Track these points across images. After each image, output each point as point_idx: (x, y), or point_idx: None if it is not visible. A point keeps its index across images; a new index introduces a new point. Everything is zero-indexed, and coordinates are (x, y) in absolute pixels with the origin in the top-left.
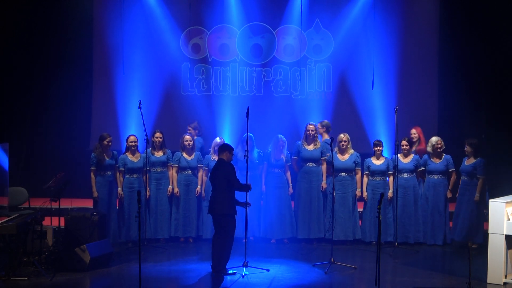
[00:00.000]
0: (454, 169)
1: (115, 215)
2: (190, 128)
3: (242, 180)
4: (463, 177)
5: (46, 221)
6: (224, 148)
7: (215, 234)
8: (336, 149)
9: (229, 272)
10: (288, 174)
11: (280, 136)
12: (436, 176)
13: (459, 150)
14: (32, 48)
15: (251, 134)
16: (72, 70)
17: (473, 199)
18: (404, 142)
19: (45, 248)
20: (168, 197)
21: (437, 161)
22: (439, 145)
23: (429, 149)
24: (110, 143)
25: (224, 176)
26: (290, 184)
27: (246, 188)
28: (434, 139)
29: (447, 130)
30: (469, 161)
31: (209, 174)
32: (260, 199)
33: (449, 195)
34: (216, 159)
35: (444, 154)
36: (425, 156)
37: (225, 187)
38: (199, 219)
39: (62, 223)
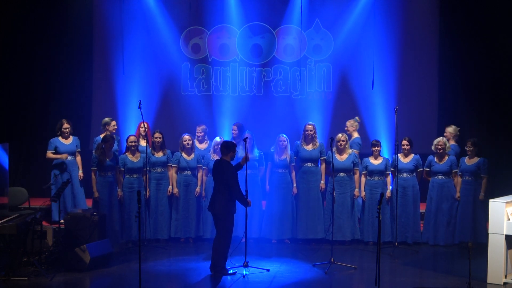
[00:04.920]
0: (457, 170)
1: (116, 215)
2: (198, 129)
3: (242, 180)
4: (466, 177)
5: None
6: (228, 148)
7: (216, 234)
8: (334, 149)
9: (229, 272)
10: (293, 174)
11: (282, 135)
12: (440, 177)
13: (459, 150)
14: (32, 48)
15: (249, 131)
16: (72, 70)
17: (478, 199)
18: (404, 142)
19: (45, 248)
20: (168, 197)
21: (440, 162)
22: (440, 146)
23: (433, 148)
24: (112, 145)
25: (226, 180)
26: (294, 185)
27: (245, 202)
28: (437, 139)
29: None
30: (471, 161)
31: (209, 173)
32: (261, 198)
33: (458, 195)
34: (216, 158)
35: (448, 155)
36: (430, 157)
37: (225, 189)
38: (199, 219)
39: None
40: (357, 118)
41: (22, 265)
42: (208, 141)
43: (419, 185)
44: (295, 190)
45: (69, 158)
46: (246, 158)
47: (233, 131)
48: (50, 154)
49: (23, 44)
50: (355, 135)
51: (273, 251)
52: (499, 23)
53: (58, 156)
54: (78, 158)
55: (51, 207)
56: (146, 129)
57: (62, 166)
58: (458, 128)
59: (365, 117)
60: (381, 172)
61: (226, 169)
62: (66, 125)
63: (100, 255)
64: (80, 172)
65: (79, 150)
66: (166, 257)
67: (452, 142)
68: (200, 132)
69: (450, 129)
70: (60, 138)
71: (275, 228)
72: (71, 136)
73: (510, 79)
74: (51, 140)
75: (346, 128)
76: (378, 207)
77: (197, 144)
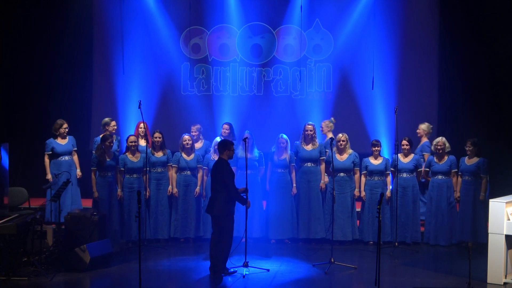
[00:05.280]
0: (457, 170)
1: (116, 215)
2: (193, 129)
3: (242, 180)
4: (466, 177)
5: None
6: (224, 146)
7: (213, 234)
8: (334, 149)
9: (230, 271)
10: (293, 174)
11: (282, 135)
12: (440, 177)
13: (459, 150)
14: (32, 48)
15: (249, 131)
16: (72, 70)
17: (478, 199)
18: (404, 142)
19: (45, 248)
20: (168, 197)
21: (440, 162)
22: (439, 146)
23: (432, 148)
24: (112, 144)
25: (222, 179)
26: (294, 185)
27: (243, 201)
28: (436, 139)
29: (447, 130)
30: (471, 161)
31: (209, 173)
32: (262, 198)
33: (457, 195)
34: (216, 158)
35: (448, 155)
36: (430, 157)
37: (222, 188)
38: (199, 219)
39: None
40: (332, 119)
41: (22, 265)
42: (203, 140)
43: (419, 185)
44: (294, 190)
45: (67, 158)
46: (245, 190)
47: (226, 130)
48: (47, 160)
49: (23, 44)
50: (329, 135)
51: (273, 251)
52: (499, 23)
53: (47, 172)
54: (75, 157)
55: (51, 207)
56: (145, 129)
57: (60, 166)
58: (431, 126)
59: (365, 117)
60: (381, 172)
61: (223, 168)
62: (65, 125)
63: (100, 255)
64: (78, 171)
65: (75, 149)
66: (166, 257)
67: (425, 140)
68: (195, 132)
69: (423, 126)
70: (57, 139)
71: (275, 228)
72: (67, 136)
73: (510, 79)
74: (47, 142)
75: (320, 128)
76: (378, 207)
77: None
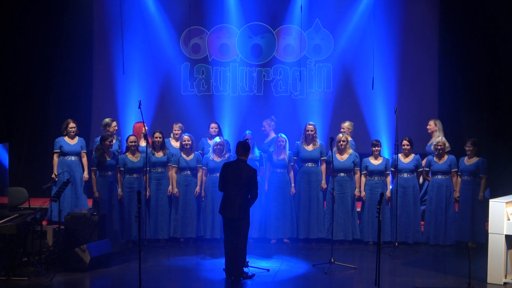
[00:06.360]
0: (457, 169)
1: (116, 215)
2: (176, 128)
3: None
4: (465, 177)
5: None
6: (247, 148)
7: (228, 237)
8: (335, 149)
9: (249, 275)
10: (291, 174)
11: (281, 135)
12: (440, 176)
13: (459, 150)
14: (32, 48)
15: (250, 131)
16: (72, 70)
17: (477, 198)
18: (405, 142)
19: (45, 248)
20: (168, 197)
21: (440, 161)
22: (440, 146)
23: (432, 148)
24: (112, 143)
25: (248, 180)
26: (293, 184)
27: (254, 200)
28: (436, 139)
29: (447, 130)
30: (470, 161)
31: (208, 173)
32: (260, 198)
33: (456, 195)
34: (215, 158)
35: (448, 155)
36: (430, 157)
37: (245, 190)
38: (199, 220)
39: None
40: (272, 117)
41: (22, 265)
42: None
43: (419, 185)
44: (293, 190)
45: (73, 158)
46: None
47: (215, 129)
48: (55, 158)
49: (23, 44)
50: (272, 135)
51: (273, 251)
52: (499, 23)
53: (54, 170)
54: (84, 159)
55: (51, 207)
56: (144, 131)
57: (65, 165)
58: (353, 123)
59: (365, 117)
60: (381, 172)
61: (249, 170)
62: (72, 125)
63: (100, 255)
64: (85, 173)
65: (84, 151)
66: (166, 257)
67: (349, 138)
68: (177, 130)
69: (346, 124)
70: (65, 138)
71: (275, 228)
72: (76, 137)
73: (510, 79)
74: (56, 140)
75: (263, 128)
76: (378, 207)
77: (173, 142)
